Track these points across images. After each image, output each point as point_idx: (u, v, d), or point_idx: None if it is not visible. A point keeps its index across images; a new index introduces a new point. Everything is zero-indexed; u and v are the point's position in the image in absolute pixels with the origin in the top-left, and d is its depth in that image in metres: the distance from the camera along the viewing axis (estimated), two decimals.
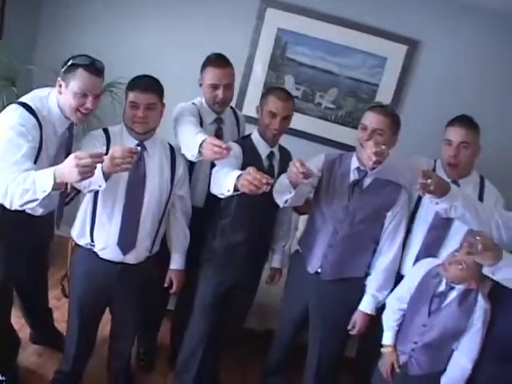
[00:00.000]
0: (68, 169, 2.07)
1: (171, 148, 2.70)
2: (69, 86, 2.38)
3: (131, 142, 2.52)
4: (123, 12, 3.95)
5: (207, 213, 2.89)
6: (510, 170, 3.58)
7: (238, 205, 2.75)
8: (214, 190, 2.56)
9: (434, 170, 2.81)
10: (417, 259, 2.73)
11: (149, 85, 2.50)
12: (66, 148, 2.55)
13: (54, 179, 2.09)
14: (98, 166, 2.15)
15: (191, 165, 2.87)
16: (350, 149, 2.77)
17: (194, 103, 2.98)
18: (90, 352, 2.87)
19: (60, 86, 2.41)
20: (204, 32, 3.94)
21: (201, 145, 2.45)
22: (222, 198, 2.73)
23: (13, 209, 2.25)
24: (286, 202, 2.54)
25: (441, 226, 2.69)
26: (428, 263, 2.61)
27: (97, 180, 2.25)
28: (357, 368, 3.10)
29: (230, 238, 2.80)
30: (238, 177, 2.35)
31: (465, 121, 2.73)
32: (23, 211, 2.40)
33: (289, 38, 3.94)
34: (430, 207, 2.65)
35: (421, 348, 2.52)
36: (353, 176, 2.70)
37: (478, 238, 2.20)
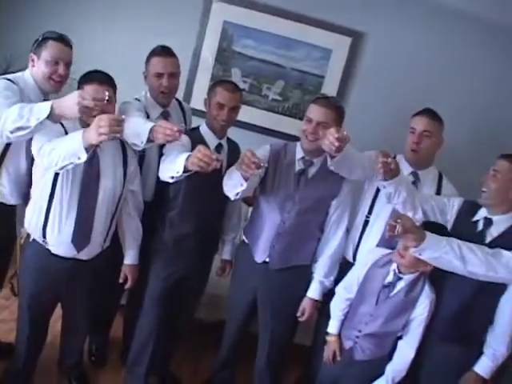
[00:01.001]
0: (69, 103, 2.17)
1: (122, 143, 2.69)
2: (40, 56, 2.57)
3: None
4: (69, 11, 3.88)
5: (155, 206, 2.89)
6: (459, 166, 3.67)
7: (185, 196, 2.77)
8: (163, 175, 2.56)
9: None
10: None
11: (105, 78, 2.53)
12: None
13: (51, 109, 2.17)
14: (79, 136, 2.20)
15: (140, 159, 2.87)
16: (297, 140, 2.80)
17: (137, 99, 2.97)
18: (40, 348, 2.86)
19: (33, 60, 2.59)
20: (150, 26, 3.88)
21: (151, 131, 2.41)
22: (170, 190, 2.75)
23: (3, 138, 2.32)
24: (237, 194, 2.57)
25: None
26: (376, 252, 2.68)
27: (77, 151, 2.23)
28: (312, 356, 3.13)
29: (178, 229, 2.82)
30: (188, 158, 2.36)
31: (430, 112, 2.84)
32: None
33: (235, 31, 3.94)
34: None
35: (365, 336, 2.61)
36: (298, 166, 2.75)
37: (398, 220, 2.26)
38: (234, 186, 2.55)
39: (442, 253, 2.33)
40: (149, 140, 2.43)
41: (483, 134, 3.88)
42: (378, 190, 2.83)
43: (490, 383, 2.59)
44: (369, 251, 2.75)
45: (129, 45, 3.87)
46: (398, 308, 2.53)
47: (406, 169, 2.82)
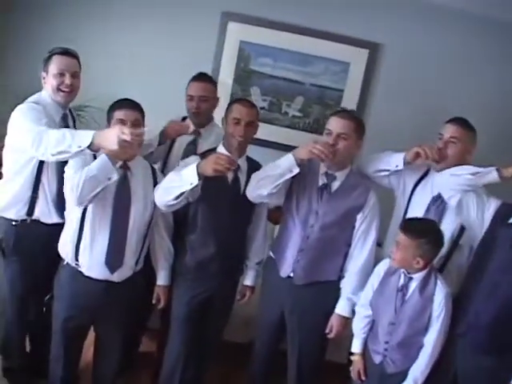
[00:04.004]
0: (109, 136, 2.29)
1: (152, 168, 2.75)
2: (48, 72, 2.74)
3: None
4: (89, 38, 3.93)
5: (176, 227, 2.89)
6: None
7: (204, 218, 2.77)
8: (165, 198, 2.58)
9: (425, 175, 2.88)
10: None
11: (135, 103, 2.62)
12: None
13: (93, 139, 2.30)
14: (104, 157, 2.36)
15: None
16: None
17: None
18: (75, 374, 2.86)
19: (44, 78, 2.78)
20: (168, 52, 3.95)
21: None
22: (188, 211, 2.78)
23: (44, 158, 2.51)
24: (276, 187, 2.60)
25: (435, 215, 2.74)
26: (385, 263, 2.67)
27: (108, 172, 2.39)
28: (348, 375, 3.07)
29: (200, 253, 2.81)
30: (199, 166, 2.46)
31: (459, 120, 2.78)
32: (37, 221, 2.76)
33: (251, 49, 3.97)
34: (423, 198, 2.77)
35: (393, 347, 2.56)
36: (321, 180, 2.74)
37: None
38: (277, 177, 2.59)
39: None
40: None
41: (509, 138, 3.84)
42: (409, 201, 2.84)
43: None
44: (378, 265, 2.72)
45: (146, 65, 3.95)
46: (417, 309, 2.50)
47: (434, 179, 2.79)
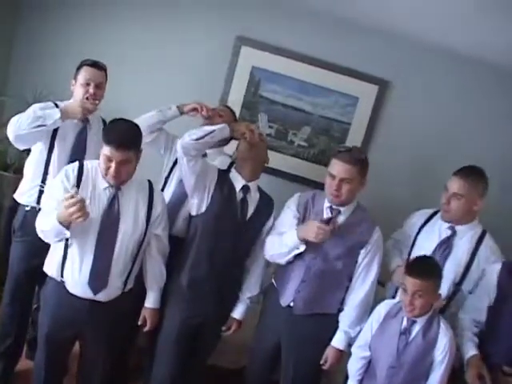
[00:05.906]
0: (73, 107, 2.82)
1: (150, 187, 2.68)
2: (77, 80, 2.97)
3: (103, 183, 2.54)
4: (97, 49, 3.93)
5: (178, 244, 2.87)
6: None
7: (202, 235, 2.77)
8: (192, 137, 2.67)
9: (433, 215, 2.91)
10: None
11: (124, 141, 2.45)
12: (81, 142, 3.00)
13: (61, 112, 2.74)
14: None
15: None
16: (323, 187, 2.77)
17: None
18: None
19: (73, 85, 3.01)
20: (179, 69, 3.97)
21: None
22: (190, 227, 2.83)
23: (17, 133, 2.73)
24: (290, 258, 2.74)
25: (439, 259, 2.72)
26: (385, 305, 2.65)
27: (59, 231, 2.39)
28: None
29: (195, 271, 2.78)
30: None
31: (465, 172, 2.73)
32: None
33: (263, 76, 3.99)
34: (428, 241, 2.79)
35: None
36: (326, 214, 2.73)
37: None
38: (286, 254, 2.73)
39: None
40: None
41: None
42: (413, 245, 2.87)
43: None
44: (378, 306, 2.69)
45: (155, 81, 3.98)
46: (420, 352, 2.47)
47: (442, 224, 2.82)
